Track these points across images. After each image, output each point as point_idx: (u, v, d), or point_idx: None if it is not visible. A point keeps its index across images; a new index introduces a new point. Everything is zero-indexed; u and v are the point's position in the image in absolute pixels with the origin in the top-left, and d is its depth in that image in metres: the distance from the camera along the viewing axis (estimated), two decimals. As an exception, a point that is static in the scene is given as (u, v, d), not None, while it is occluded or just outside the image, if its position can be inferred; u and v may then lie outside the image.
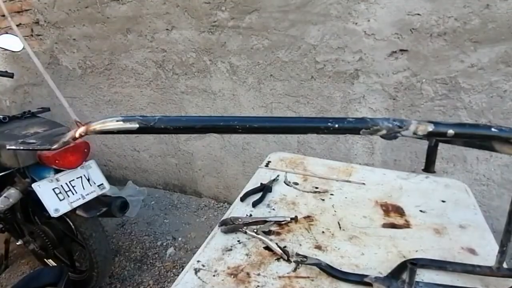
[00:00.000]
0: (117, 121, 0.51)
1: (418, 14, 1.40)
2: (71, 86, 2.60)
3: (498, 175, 1.51)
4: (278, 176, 1.04)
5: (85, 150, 1.42)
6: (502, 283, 0.62)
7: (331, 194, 0.95)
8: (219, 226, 0.82)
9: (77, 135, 0.56)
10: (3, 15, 2.55)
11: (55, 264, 1.78)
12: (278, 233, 0.80)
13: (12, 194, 1.39)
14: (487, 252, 0.71)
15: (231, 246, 0.76)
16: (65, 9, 2.29)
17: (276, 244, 0.74)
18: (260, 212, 0.88)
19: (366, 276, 0.63)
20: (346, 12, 1.53)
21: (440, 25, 1.39)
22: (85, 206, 1.42)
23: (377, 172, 1.07)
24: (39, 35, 2.51)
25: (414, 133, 0.47)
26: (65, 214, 1.38)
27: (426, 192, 0.94)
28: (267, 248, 0.74)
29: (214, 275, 0.68)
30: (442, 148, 1.52)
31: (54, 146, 0.62)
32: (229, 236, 0.79)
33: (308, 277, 0.66)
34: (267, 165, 1.14)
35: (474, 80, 1.41)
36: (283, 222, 0.83)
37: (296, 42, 1.69)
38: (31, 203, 1.58)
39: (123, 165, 2.75)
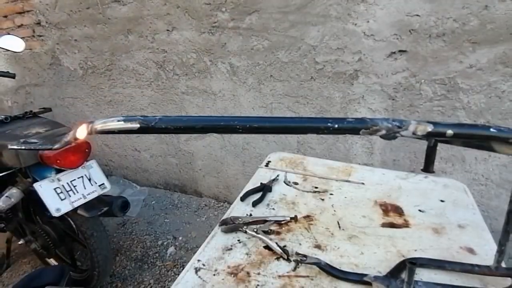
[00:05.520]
0: (118, 121, 0.52)
1: (417, 15, 1.41)
2: (72, 87, 2.61)
3: (496, 175, 1.51)
4: (278, 176, 1.05)
5: (86, 150, 1.43)
6: (500, 282, 0.62)
7: (331, 194, 0.96)
8: (219, 226, 0.82)
9: (78, 135, 0.56)
10: (5, 16, 2.56)
11: (57, 263, 1.79)
12: (278, 233, 0.80)
13: (13, 193, 1.40)
14: (486, 251, 0.71)
15: (231, 246, 0.76)
16: (67, 10, 2.29)
17: (276, 243, 0.74)
18: (260, 211, 0.89)
19: (365, 275, 0.64)
20: (346, 13, 1.53)
21: (439, 26, 1.39)
22: (86, 206, 1.43)
23: (376, 172, 1.07)
24: (40, 36, 2.51)
25: (414, 133, 0.47)
26: (67, 213, 1.39)
27: (425, 192, 0.94)
28: (267, 247, 0.75)
29: (214, 274, 0.68)
30: (441, 148, 1.53)
31: (56, 146, 0.63)
32: (229, 236, 0.80)
33: (308, 276, 0.67)
34: (267, 165, 1.14)
35: (473, 80, 1.41)
36: (283, 222, 0.83)
37: (296, 43, 1.70)
38: (32, 203, 1.58)
39: (124, 165, 2.75)
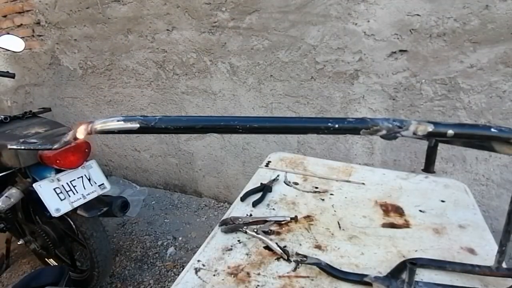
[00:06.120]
0: (118, 121, 0.52)
1: (418, 15, 1.41)
2: (72, 87, 2.60)
3: (497, 175, 1.51)
4: (278, 176, 1.05)
5: (86, 150, 1.42)
6: (501, 282, 0.62)
7: (331, 194, 0.96)
8: (219, 226, 0.82)
9: (78, 135, 0.56)
10: (4, 16, 2.56)
11: (56, 264, 1.79)
12: (278, 233, 0.80)
13: (13, 193, 1.39)
14: (486, 252, 0.71)
15: (231, 246, 0.76)
16: (66, 10, 2.29)
17: (276, 243, 0.74)
18: (260, 212, 0.89)
19: (365, 275, 0.64)
20: (346, 13, 1.53)
21: (439, 25, 1.39)
22: (86, 206, 1.42)
23: (376, 172, 1.07)
24: (40, 35, 2.51)
25: (414, 133, 0.47)
26: (66, 213, 1.38)
27: (425, 192, 0.94)
28: (267, 247, 0.75)
29: (214, 275, 0.68)
30: (442, 148, 1.53)
31: (55, 146, 0.63)
32: (229, 236, 0.80)
33: (308, 277, 0.66)
34: (267, 165, 1.14)
35: (474, 80, 1.41)
36: (283, 222, 0.83)
37: (296, 42, 1.70)
38: (32, 203, 1.58)
39: (123, 165, 2.75)
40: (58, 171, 1.41)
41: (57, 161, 1.33)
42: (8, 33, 1.83)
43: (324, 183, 1.02)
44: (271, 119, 0.52)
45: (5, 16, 2.57)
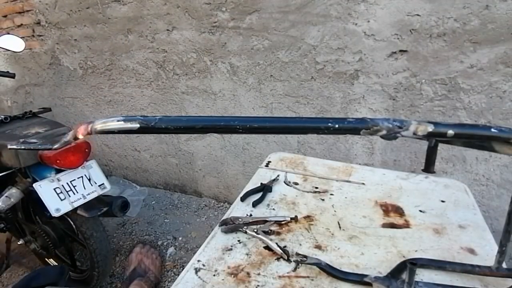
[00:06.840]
0: (118, 121, 0.52)
1: (418, 15, 1.41)
2: (72, 87, 2.60)
3: (497, 175, 1.51)
4: (278, 176, 1.05)
5: (86, 150, 1.43)
6: (501, 283, 0.62)
7: (331, 194, 0.96)
8: (219, 226, 0.82)
9: (78, 135, 0.56)
10: (4, 16, 2.56)
11: (56, 264, 1.79)
12: (278, 233, 0.80)
13: (13, 193, 1.39)
14: (487, 252, 0.71)
15: (231, 246, 0.76)
16: (66, 10, 2.29)
17: (276, 243, 0.74)
18: (260, 212, 0.89)
19: (365, 275, 0.63)
20: (346, 13, 1.53)
21: (439, 25, 1.39)
22: (86, 206, 1.43)
23: (377, 172, 1.07)
24: (40, 35, 2.51)
25: (414, 134, 0.47)
26: (66, 213, 1.38)
27: (425, 192, 0.94)
28: (267, 247, 0.75)
29: (214, 275, 0.68)
30: (442, 148, 1.53)
31: (55, 146, 0.63)
32: (229, 236, 0.80)
33: (308, 277, 0.66)
34: (267, 165, 1.14)
35: (474, 80, 1.41)
36: (283, 222, 0.83)
37: (296, 42, 1.70)
38: (32, 203, 1.58)
39: (124, 165, 2.75)
40: (58, 171, 1.41)
41: (57, 161, 1.33)
42: (8, 33, 1.83)
43: (324, 183, 1.02)
44: (271, 119, 0.52)
45: (5, 16, 2.57)
